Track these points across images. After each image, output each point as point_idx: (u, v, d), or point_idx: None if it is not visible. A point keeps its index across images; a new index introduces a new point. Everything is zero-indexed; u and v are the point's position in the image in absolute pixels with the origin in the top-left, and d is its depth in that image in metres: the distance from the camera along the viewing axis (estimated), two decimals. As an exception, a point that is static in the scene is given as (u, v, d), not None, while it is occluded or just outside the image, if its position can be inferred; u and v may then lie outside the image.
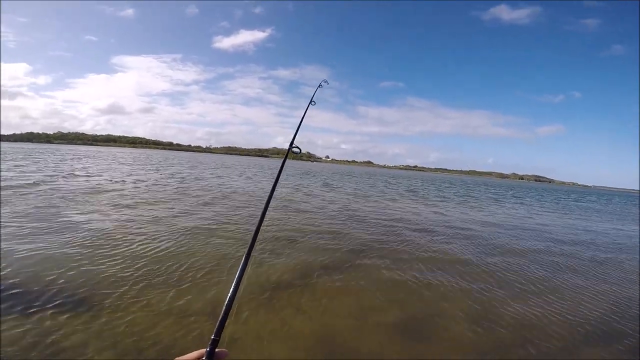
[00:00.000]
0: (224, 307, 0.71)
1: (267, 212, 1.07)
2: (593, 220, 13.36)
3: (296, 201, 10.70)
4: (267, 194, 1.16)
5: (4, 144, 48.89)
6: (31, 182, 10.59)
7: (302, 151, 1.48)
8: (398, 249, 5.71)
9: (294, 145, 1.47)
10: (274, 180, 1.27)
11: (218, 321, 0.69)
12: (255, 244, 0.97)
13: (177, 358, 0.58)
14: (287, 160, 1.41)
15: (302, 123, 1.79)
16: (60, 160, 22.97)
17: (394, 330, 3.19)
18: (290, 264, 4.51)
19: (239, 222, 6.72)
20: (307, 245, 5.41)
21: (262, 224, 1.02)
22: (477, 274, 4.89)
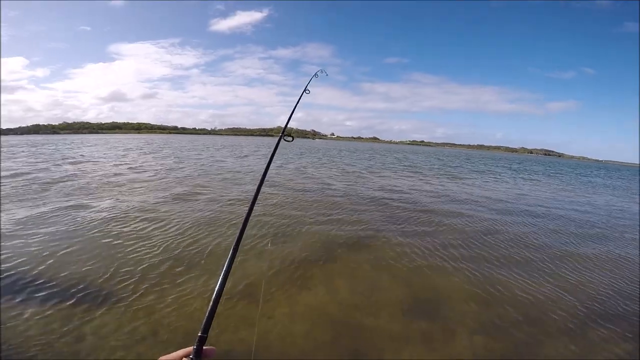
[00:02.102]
0: (210, 303, 0.68)
1: (255, 204, 1.05)
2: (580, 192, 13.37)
3: (298, 180, 10.97)
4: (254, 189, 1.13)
5: (13, 138, 48.74)
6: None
7: (293, 139, 1.47)
8: (403, 227, 5.88)
9: (285, 134, 1.46)
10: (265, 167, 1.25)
11: (205, 317, 0.65)
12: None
13: (161, 357, 0.57)
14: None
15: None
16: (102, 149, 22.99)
17: (402, 309, 3.19)
18: (299, 246, 4.49)
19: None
20: (312, 227, 5.44)
21: (251, 214, 0.99)
22: (482, 251, 4.82)
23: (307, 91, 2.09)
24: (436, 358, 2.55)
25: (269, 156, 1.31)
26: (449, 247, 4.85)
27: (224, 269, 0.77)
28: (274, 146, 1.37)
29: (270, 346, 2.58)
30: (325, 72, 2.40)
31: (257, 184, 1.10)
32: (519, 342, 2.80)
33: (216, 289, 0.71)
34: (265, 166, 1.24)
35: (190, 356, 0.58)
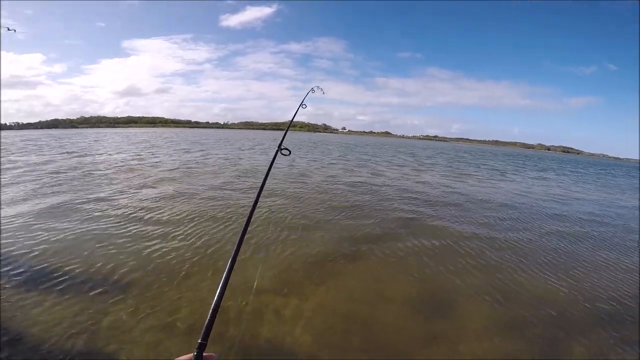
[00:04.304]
0: (210, 311, 0.70)
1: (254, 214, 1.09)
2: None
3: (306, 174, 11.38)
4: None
5: (33, 132, 49.69)
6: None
7: (290, 153, 1.51)
8: (417, 221, 6.25)
9: (282, 147, 1.51)
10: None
11: (205, 324, 0.67)
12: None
13: None
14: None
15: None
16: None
17: (413, 306, 3.18)
18: (313, 242, 4.64)
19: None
20: (325, 223, 5.65)
21: (250, 221, 1.04)
22: (495, 248, 4.93)
23: (304, 105, 2.46)
24: (446, 357, 2.53)
25: (267, 169, 1.38)
26: (462, 243, 5.02)
27: (223, 278, 0.78)
28: (271, 160, 1.46)
29: (282, 342, 2.58)
30: (322, 89, 2.72)
31: (255, 195, 1.16)
32: (533, 342, 2.76)
33: (215, 297, 0.72)
34: (263, 178, 1.30)
35: None
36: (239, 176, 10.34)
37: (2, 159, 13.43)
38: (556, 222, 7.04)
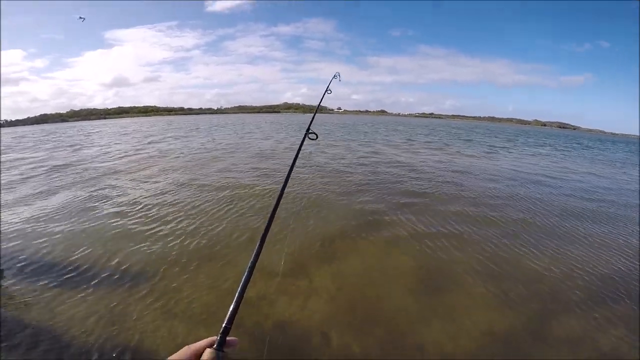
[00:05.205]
0: (236, 295, 0.70)
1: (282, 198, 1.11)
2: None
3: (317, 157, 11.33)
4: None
5: (23, 128, 48.53)
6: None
7: (317, 136, 1.49)
8: (417, 200, 6.36)
9: (310, 131, 1.52)
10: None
11: (230, 309, 0.68)
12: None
13: (187, 345, 0.60)
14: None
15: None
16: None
17: (414, 284, 3.28)
18: (322, 224, 4.72)
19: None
20: (331, 203, 5.82)
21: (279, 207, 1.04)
22: (494, 224, 5.06)
23: (329, 91, 2.44)
24: (446, 332, 2.65)
25: (294, 155, 1.39)
26: (461, 220, 5.12)
27: (250, 262, 0.79)
28: (299, 145, 1.44)
29: (289, 320, 2.70)
30: (339, 77, 2.69)
31: (283, 182, 1.18)
32: (529, 318, 2.87)
33: (241, 283, 0.73)
34: (290, 165, 1.30)
35: (215, 346, 0.61)
36: (248, 161, 10.28)
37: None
38: (563, 198, 7.18)
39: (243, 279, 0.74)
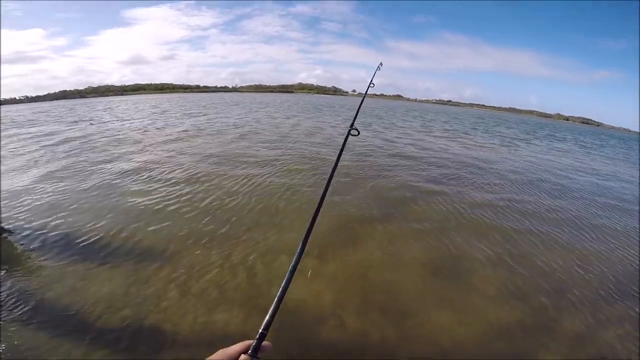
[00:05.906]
0: (274, 301, 0.68)
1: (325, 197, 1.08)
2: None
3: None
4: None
5: (45, 104, 49.05)
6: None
7: (359, 132, 1.50)
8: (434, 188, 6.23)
9: (353, 127, 1.51)
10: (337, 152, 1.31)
11: (268, 315, 0.66)
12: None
13: (221, 349, 0.59)
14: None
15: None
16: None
17: (427, 272, 3.28)
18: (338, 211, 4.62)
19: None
20: (351, 188, 5.77)
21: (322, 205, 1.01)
22: (513, 217, 4.96)
23: (372, 84, 2.40)
24: (456, 319, 2.68)
25: (339, 150, 1.37)
26: (481, 207, 5.10)
27: (289, 270, 0.76)
28: (343, 140, 1.45)
29: (303, 303, 2.71)
30: (381, 67, 2.61)
31: (328, 177, 1.19)
32: (538, 311, 2.87)
33: (280, 289, 0.71)
34: (336, 158, 1.30)
35: (249, 352, 0.60)
36: (260, 144, 10.27)
37: (22, 130, 13.49)
38: (588, 194, 7.08)
39: (282, 284, 0.72)
